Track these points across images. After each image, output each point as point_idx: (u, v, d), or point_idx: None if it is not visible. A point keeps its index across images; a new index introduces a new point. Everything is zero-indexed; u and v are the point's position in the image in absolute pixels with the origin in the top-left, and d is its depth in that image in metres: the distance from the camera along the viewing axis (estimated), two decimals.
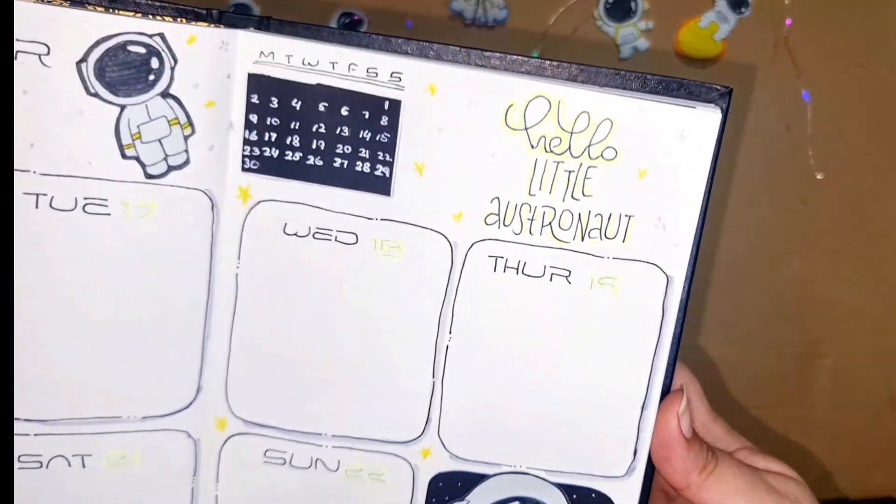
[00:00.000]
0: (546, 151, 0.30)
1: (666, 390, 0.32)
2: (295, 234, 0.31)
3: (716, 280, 0.56)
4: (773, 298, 0.56)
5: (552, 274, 0.31)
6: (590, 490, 0.33)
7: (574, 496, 0.33)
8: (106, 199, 0.29)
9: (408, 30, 0.52)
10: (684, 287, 0.31)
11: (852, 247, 0.58)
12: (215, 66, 0.29)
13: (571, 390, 0.32)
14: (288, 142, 0.30)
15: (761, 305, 0.56)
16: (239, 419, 0.33)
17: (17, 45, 0.27)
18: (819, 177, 0.57)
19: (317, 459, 0.34)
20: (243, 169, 0.30)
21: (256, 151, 0.30)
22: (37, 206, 0.28)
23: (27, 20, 0.27)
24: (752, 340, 0.56)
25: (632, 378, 0.32)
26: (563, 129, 0.30)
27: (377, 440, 0.33)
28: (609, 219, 0.30)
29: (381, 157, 0.30)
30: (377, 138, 0.30)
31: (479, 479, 0.34)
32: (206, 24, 0.28)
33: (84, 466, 0.32)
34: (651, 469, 0.33)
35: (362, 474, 0.34)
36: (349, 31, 0.29)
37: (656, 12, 0.56)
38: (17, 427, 0.31)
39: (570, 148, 0.30)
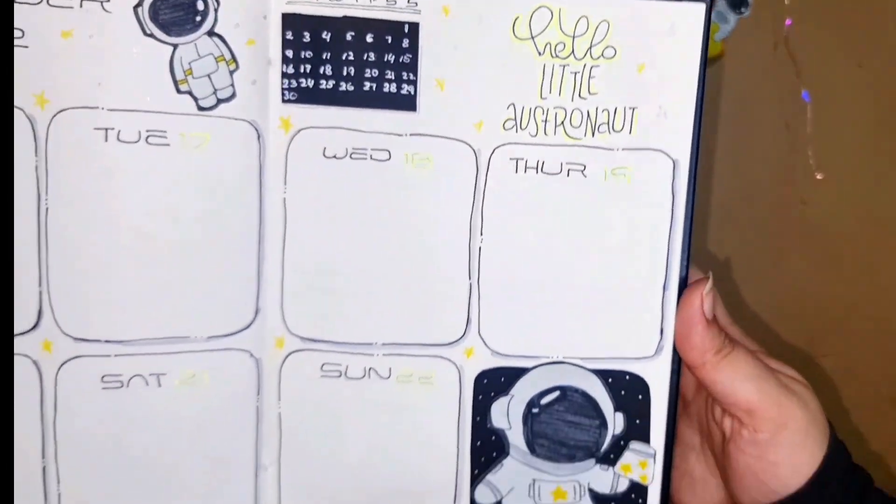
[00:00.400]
0: (552, 56, 0.33)
1: (684, 272, 0.35)
2: (334, 157, 0.35)
3: (715, 279, 0.59)
4: (772, 297, 0.57)
5: (569, 169, 0.34)
6: (624, 372, 0.36)
7: (609, 380, 0.36)
8: (165, 131, 0.33)
9: None
10: (690, 169, 0.34)
11: (852, 246, 0.58)
12: (252, 7, 0.33)
13: (597, 278, 0.35)
14: (321, 72, 0.34)
15: (761, 304, 0.56)
16: (296, 336, 0.36)
17: None
18: (819, 176, 0.57)
19: (370, 369, 0.36)
20: (283, 100, 0.34)
21: (294, 83, 0.34)
22: (105, 140, 0.32)
23: None
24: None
25: (651, 261, 0.35)
26: (565, 34, 0.33)
27: (423, 344, 0.36)
28: (615, 113, 0.34)
29: (405, 77, 0.34)
30: (400, 60, 0.34)
31: (521, 372, 0.36)
32: None
33: (160, 385, 0.35)
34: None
35: (412, 379, 0.37)
36: None
37: None
38: (98, 349, 0.34)
39: (573, 51, 0.33)
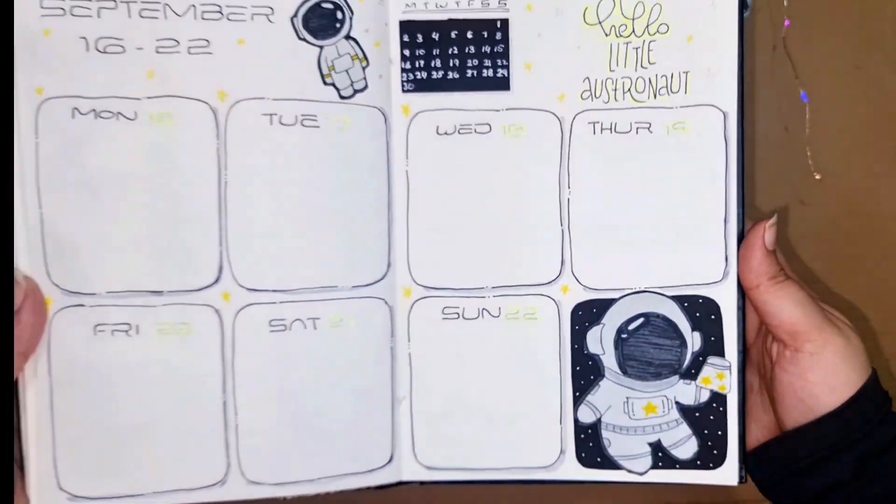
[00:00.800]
0: (616, 36, 0.42)
1: (741, 207, 0.43)
2: (445, 133, 0.43)
3: None
4: None
5: (637, 128, 0.42)
6: (697, 297, 0.43)
7: (686, 304, 0.43)
8: (315, 116, 0.41)
9: None
10: (737, 119, 0.42)
11: (850, 247, 0.58)
12: (378, 16, 0.42)
13: (668, 217, 0.43)
14: (432, 65, 0.42)
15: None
16: (420, 286, 0.44)
17: (251, 10, 0.40)
18: (817, 177, 0.57)
19: (483, 309, 0.44)
20: (403, 90, 0.43)
21: (411, 76, 0.42)
22: (270, 123, 0.40)
23: None
24: None
25: (712, 199, 0.42)
26: (626, 17, 0.42)
27: (526, 285, 0.43)
28: (672, 77, 0.42)
29: (499, 63, 0.42)
30: (495, 49, 0.42)
31: (609, 303, 0.44)
32: None
33: (315, 328, 0.42)
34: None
35: (518, 315, 0.44)
36: None
37: None
38: (267, 297, 0.41)
39: (633, 30, 0.42)
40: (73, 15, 0.38)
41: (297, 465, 0.42)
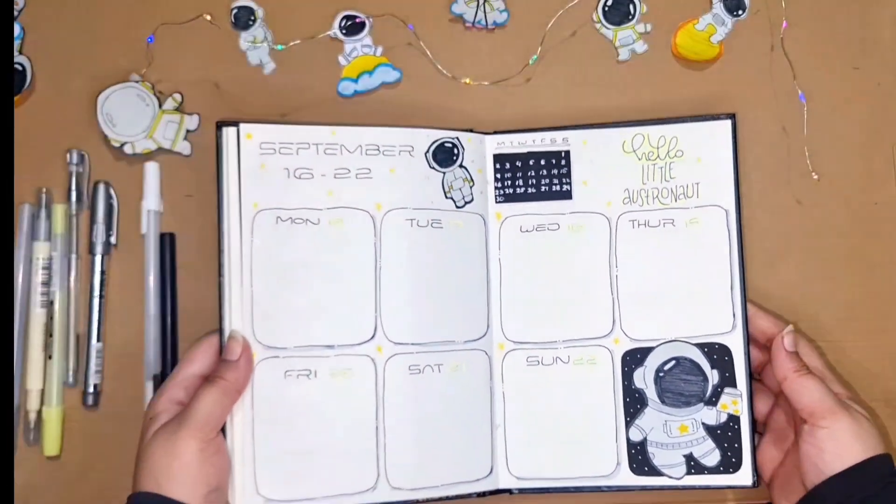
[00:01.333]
0: (647, 160, 0.60)
1: (742, 276, 0.58)
2: (526, 231, 0.60)
3: None
4: (768, 297, 0.59)
5: (664, 223, 0.59)
6: (714, 343, 0.57)
7: (706, 349, 0.58)
8: (440, 220, 0.58)
9: (409, 32, 0.59)
10: (736, 213, 0.56)
11: (847, 246, 0.59)
12: (480, 152, 0.60)
13: (689, 287, 0.58)
14: (517, 183, 0.60)
15: (757, 304, 0.58)
16: (510, 341, 0.60)
17: (399, 148, 0.58)
18: (815, 177, 0.57)
19: (556, 357, 0.60)
20: (496, 202, 0.60)
21: (502, 192, 0.60)
22: (411, 226, 0.58)
23: (399, 134, 0.57)
24: None
25: (720, 272, 0.57)
26: (652, 146, 0.59)
27: (588, 338, 0.59)
28: (687, 187, 0.59)
29: (564, 181, 0.60)
30: (560, 171, 0.60)
31: (649, 350, 0.58)
32: (471, 133, 0.60)
33: (440, 372, 0.58)
34: (746, 324, 0.56)
35: (582, 361, 0.59)
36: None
37: (654, 15, 0.59)
38: (405, 349, 0.57)
39: (658, 155, 0.59)
40: (280, 153, 0.56)
41: (427, 475, 0.56)
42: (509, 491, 0.58)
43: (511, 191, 0.59)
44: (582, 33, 0.58)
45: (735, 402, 0.56)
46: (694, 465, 0.56)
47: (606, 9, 0.57)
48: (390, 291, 0.56)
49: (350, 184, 0.56)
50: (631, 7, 0.57)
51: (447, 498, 0.56)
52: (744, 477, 0.56)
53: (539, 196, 0.59)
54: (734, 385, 0.56)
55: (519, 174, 0.59)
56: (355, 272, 0.56)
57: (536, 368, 0.58)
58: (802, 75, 0.57)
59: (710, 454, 0.57)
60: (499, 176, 0.59)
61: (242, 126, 0.55)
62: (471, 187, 0.58)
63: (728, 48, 0.58)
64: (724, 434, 0.56)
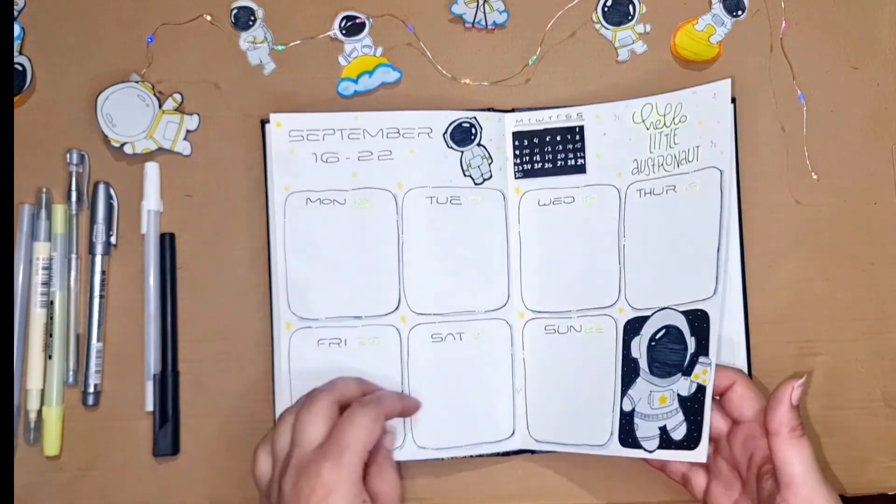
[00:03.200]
0: (654, 129, 0.61)
1: (734, 239, 0.60)
2: (544, 205, 0.63)
3: None
4: (766, 296, 0.59)
5: (666, 190, 0.61)
6: (696, 310, 0.55)
7: (689, 317, 0.55)
8: (459, 197, 0.62)
9: (409, 32, 0.59)
10: (732, 173, 0.57)
11: (846, 246, 0.58)
12: (498, 129, 0.63)
13: (685, 251, 0.58)
14: (534, 158, 0.63)
15: (755, 304, 0.58)
16: (530, 311, 0.63)
17: (418, 130, 0.61)
18: (814, 177, 0.58)
19: (570, 326, 0.63)
20: (515, 178, 0.63)
21: (520, 168, 0.63)
22: (431, 203, 0.61)
23: (418, 117, 0.61)
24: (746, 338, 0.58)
25: (710, 231, 0.57)
26: (659, 115, 0.61)
27: (597, 308, 0.61)
28: (689, 151, 0.59)
29: (579, 155, 0.63)
30: (575, 146, 0.63)
31: (646, 319, 0.57)
32: (491, 112, 0.63)
33: (461, 340, 0.62)
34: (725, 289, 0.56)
35: (592, 331, 0.60)
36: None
37: (654, 15, 0.60)
38: (430, 319, 0.61)
39: (665, 123, 0.61)
40: (308, 140, 0.60)
41: (450, 436, 0.60)
42: (531, 451, 0.61)
43: (529, 166, 0.62)
44: (581, 34, 0.59)
45: (705, 372, 0.54)
46: (665, 439, 0.55)
47: (606, 9, 0.58)
48: (412, 265, 0.60)
49: (373, 165, 0.60)
50: (630, 7, 0.57)
51: (470, 457, 0.60)
52: (700, 454, 0.53)
53: (556, 171, 0.62)
54: (707, 353, 0.54)
55: (536, 150, 0.62)
56: (380, 248, 0.60)
57: (553, 336, 0.62)
58: (802, 75, 0.57)
59: (678, 427, 0.55)
60: (517, 152, 0.62)
61: (273, 116, 0.59)
62: (489, 164, 0.61)
63: (727, 48, 0.59)
64: (692, 406, 0.54)
